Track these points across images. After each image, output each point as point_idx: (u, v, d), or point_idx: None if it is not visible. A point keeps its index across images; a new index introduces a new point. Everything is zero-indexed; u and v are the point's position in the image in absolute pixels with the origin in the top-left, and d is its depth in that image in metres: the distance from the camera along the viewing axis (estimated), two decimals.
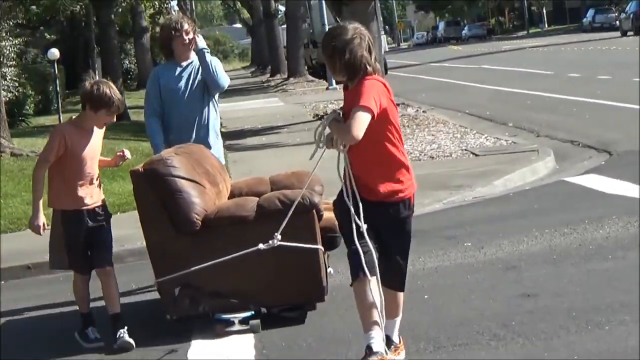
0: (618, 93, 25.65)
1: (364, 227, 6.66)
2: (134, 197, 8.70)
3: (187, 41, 9.79)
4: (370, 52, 6.69)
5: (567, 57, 47.68)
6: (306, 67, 54.59)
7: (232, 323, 8.53)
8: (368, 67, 6.62)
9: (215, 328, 8.53)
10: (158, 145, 9.69)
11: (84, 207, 8.58)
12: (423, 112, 26.24)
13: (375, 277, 6.67)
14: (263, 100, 40.88)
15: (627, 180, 13.58)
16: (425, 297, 8.89)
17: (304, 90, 44.58)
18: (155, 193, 8.46)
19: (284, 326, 8.50)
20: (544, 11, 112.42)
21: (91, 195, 8.63)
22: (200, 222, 8.37)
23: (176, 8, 57.08)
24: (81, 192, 8.56)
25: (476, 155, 17.97)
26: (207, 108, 9.97)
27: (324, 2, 38.38)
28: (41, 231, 8.61)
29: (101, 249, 8.71)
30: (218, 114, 10.32)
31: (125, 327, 8.53)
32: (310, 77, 52.00)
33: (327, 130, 6.73)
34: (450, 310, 8.34)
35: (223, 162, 10.25)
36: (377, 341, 6.68)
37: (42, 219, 8.55)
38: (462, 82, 39.22)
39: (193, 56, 9.93)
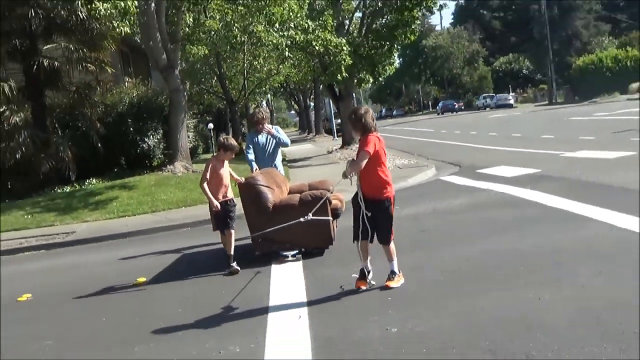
0: (473, 139, 25.03)
1: (367, 214, 5.98)
2: (240, 196, 7.98)
3: (261, 126, 9.12)
4: (373, 120, 5.95)
5: (445, 124, 46.68)
6: (323, 130, 53.93)
7: (287, 256, 7.87)
8: (371, 128, 5.90)
9: (279, 259, 7.86)
10: (252, 169, 8.99)
11: (222, 200, 7.88)
12: None
13: (366, 240, 6.07)
14: (303, 145, 39.97)
15: (468, 178, 13.29)
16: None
17: (322, 140, 43.56)
18: (249, 193, 7.81)
19: (313, 257, 7.81)
20: (429, 102, 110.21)
21: (226, 194, 7.95)
22: (271, 207, 7.71)
23: (265, 104, 56.44)
24: (221, 192, 7.89)
25: (399, 168, 17.25)
26: (276, 151, 9.28)
27: (330, 100, 37.63)
28: (218, 210, 7.75)
29: (230, 221, 7.90)
30: (280, 152, 9.54)
31: (235, 262, 7.76)
32: (325, 134, 51.27)
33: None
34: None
35: (283, 174, 9.45)
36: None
37: (217, 204, 7.72)
38: (393, 135, 38.07)
39: (266, 128, 9.22)
